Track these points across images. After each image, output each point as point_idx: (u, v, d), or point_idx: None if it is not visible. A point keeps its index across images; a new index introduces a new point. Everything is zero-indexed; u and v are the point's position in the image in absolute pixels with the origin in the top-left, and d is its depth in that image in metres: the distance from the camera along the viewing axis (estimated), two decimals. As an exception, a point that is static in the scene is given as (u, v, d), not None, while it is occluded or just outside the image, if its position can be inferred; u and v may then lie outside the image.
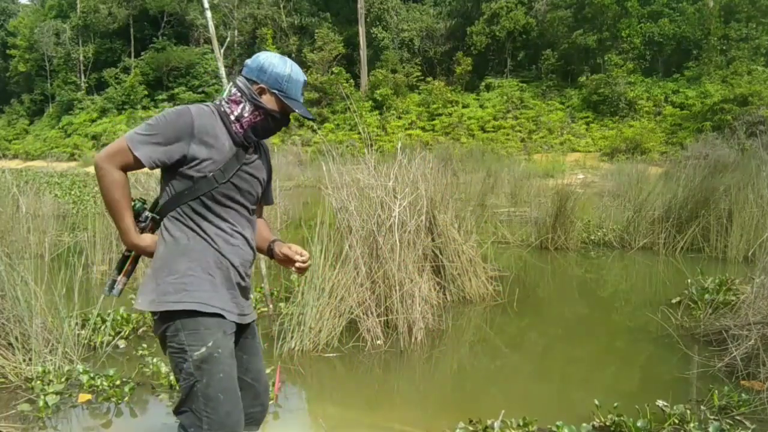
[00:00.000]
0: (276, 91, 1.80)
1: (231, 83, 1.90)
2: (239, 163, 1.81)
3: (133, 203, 1.80)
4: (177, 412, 1.79)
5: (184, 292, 1.72)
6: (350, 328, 4.18)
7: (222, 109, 1.82)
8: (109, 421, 3.01)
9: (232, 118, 1.80)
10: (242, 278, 1.87)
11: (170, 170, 1.78)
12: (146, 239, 1.80)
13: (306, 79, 1.88)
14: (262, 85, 1.80)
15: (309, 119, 1.86)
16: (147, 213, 1.83)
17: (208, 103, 1.85)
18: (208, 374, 1.70)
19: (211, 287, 1.76)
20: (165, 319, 1.74)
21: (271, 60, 1.82)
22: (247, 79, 1.83)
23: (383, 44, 32.63)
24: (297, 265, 1.98)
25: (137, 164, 1.71)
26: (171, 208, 1.79)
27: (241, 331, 1.92)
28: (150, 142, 1.70)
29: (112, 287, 1.84)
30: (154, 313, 1.77)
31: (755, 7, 25.97)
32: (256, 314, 2.03)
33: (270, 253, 2.06)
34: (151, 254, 1.79)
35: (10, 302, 3.47)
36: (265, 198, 2.05)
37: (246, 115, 1.80)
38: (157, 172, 1.83)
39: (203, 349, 1.70)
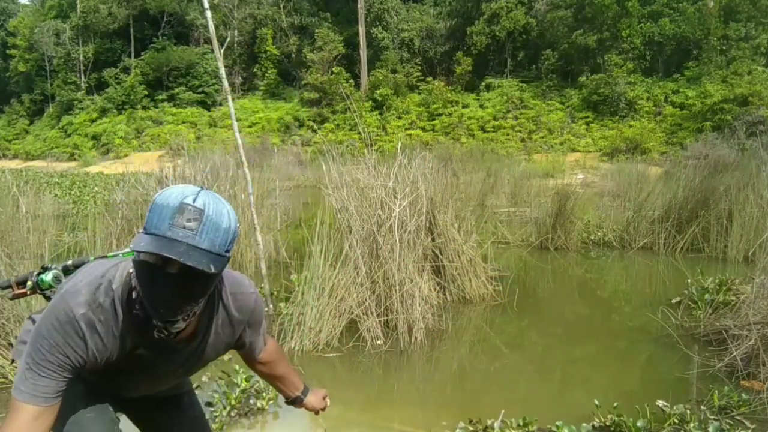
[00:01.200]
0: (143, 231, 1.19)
1: None
2: (143, 361, 1.38)
3: (43, 276, 1.59)
4: None
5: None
6: (350, 328, 4.18)
7: (133, 284, 1.28)
8: (109, 421, 3.01)
9: (135, 294, 1.28)
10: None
11: None
12: None
13: (189, 202, 1.15)
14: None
15: (156, 259, 1.16)
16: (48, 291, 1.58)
17: (111, 281, 1.30)
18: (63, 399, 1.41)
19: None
20: None
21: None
22: None
23: (383, 44, 32.63)
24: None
25: (43, 414, 1.24)
26: None
27: (159, 403, 1.69)
28: (41, 378, 1.24)
29: (6, 286, 1.64)
30: None
31: (755, 7, 25.97)
32: (183, 388, 1.76)
33: (294, 403, 1.81)
34: None
35: (10, 302, 3.47)
36: (251, 351, 1.63)
37: (134, 281, 1.28)
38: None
39: None
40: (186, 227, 1.14)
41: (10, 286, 1.64)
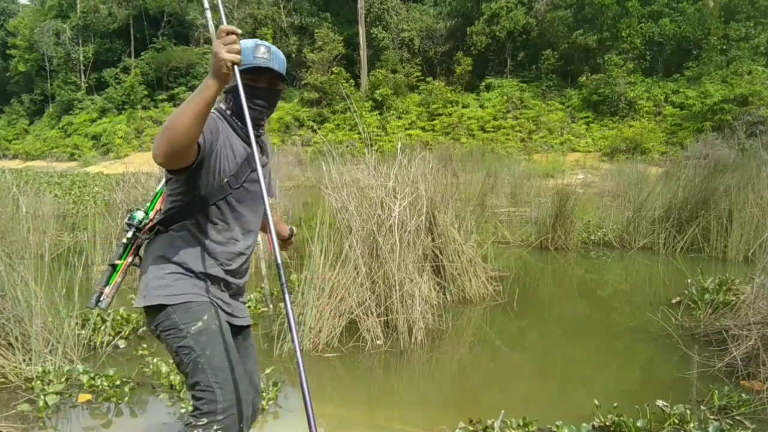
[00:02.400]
0: None
1: None
2: (250, 167, 1.83)
3: (133, 213, 1.82)
4: (190, 393, 1.78)
5: (170, 287, 1.76)
6: (350, 328, 4.18)
7: (223, 109, 1.86)
8: (109, 421, 3.01)
9: (229, 113, 1.85)
10: (233, 276, 1.89)
11: (185, 177, 1.74)
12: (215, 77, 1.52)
13: (260, 42, 1.81)
14: None
15: (259, 69, 1.78)
16: (157, 226, 1.80)
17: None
18: (210, 345, 1.72)
19: (197, 288, 1.80)
20: (155, 310, 1.76)
21: None
22: None
23: (383, 44, 32.64)
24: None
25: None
26: (181, 218, 1.79)
27: (234, 332, 1.93)
28: None
29: (98, 300, 1.78)
30: (146, 309, 1.80)
31: (755, 7, 25.98)
32: (250, 320, 2.03)
33: (290, 238, 2.35)
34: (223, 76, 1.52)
35: (10, 302, 3.47)
36: (273, 186, 2.23)
37: (225, 105, 1.86)
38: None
39: (200, 323, 1.73)
40: (263, 57, 1.79)
41: (99, 296, 1.77)
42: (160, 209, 1.87)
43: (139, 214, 1.82)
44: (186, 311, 1.74)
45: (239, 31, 1.50)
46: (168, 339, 1.76)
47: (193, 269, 1.78)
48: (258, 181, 1.78)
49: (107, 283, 1.79)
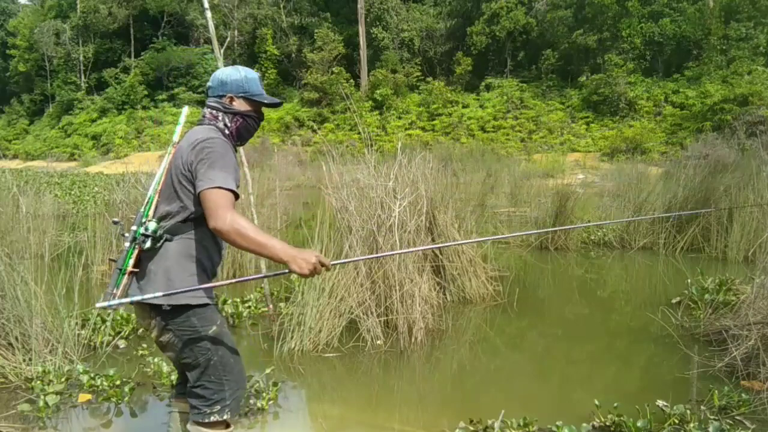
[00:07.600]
0: (242, 95, 2.02)
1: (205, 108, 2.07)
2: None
3: (148, 225, 1.90)
4: (193, 386, 1.99)
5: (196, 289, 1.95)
6: (350, 328, 4.18)
7: (220, 126, 2.02)
8: (109, 421, 3.01)
9: (227, 132, 2.02)
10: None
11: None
12: (298, 250, 1.85)
13: (259, 74, 2.11)
14: (229, 95, 2.02)
15: (277, 105, 2.14)
16: (165, 235, 1.92)
17: (214, 129, 2.00)
18: (223, 345, 1.99)
19: (209, 289, 2.03)
20: (176, 310, 1.91)
21: (226, 71, 2.05)
22: (216, 97, 2.04)
23: (383, 44, 32.64)
24: None
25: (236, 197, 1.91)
26: (195, 225, 1.93)
27: None
28: (231, 174, 1.88)
29: (110, 299, 1.86)
30: (158, 306, 1.89)
31: (755, 7, 25.99)
32: None
33: None
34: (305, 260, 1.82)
35: (10, 302, 3.47)
36: None
37: (229, 124, 2.03)
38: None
39: (215, 327, 1.97)
40: (264, 92, 2.10)
41: (112, 297, 1.83)
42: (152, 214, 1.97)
43: (153, 225, 1.91)
44: (203, 315, 1.95)
45: (330, 267, 1.92)
46: (184, 338, 1.95)
47: (206, 269, 1.99)
48: None
49: (116, 286, 1.88)
